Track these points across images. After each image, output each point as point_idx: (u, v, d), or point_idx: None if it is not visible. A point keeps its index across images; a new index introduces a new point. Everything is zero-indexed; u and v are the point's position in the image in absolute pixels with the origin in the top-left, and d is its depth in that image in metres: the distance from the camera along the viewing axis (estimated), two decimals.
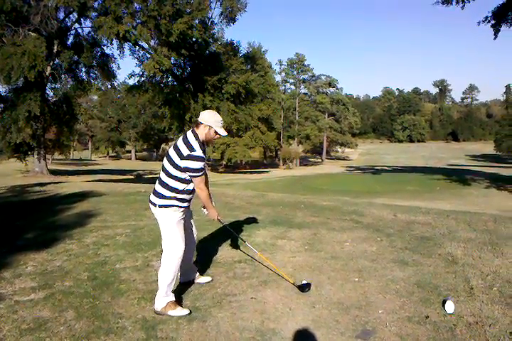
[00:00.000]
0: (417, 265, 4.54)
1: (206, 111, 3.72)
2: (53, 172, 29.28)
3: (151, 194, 3.73)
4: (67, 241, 5.68)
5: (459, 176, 24.05)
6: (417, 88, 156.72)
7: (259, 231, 6.20)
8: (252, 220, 6.92)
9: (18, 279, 4.24)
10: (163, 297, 3.47)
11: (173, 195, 3.58)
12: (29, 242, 5.70)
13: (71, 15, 28.31)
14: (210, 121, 3.54)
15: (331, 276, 4.24)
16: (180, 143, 3.54)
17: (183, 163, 3.44)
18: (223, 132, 3.58)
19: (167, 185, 3.57)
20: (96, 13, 27.04)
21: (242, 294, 3.81)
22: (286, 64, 77.72)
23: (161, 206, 3.61)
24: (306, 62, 77.72)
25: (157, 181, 3.69)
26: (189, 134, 3.59)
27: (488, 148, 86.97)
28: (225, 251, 5.16)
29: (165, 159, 3.61)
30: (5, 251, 5.20)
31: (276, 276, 4.23)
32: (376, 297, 3.71)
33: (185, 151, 3.45)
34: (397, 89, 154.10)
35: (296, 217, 7.34)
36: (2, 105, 27.27)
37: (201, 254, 4.97)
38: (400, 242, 5.47)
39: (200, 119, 3.60)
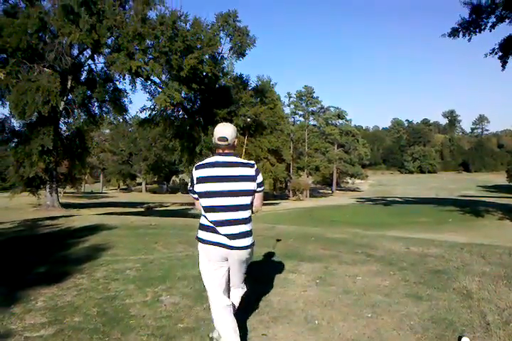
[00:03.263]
0: (432, 300, 4.45)
1: None
2: (65, 206, 29.46)
3: None
4: (77, 276, 5.66)
5: (471, 207, 23.79)
6: (426, 119, 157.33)
7: (269, 264, 6.14)
8: (262, 253, 6.87)
9: (28, 315, 4.21)
10: None
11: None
12: (40, 277, 5.69)
13: (85, 52, 29.24)
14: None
15: (343, 312, 4.16)
16: None
17: None
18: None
19: None
20: (109, 50, 27.83)
21: (253, 330, 3.74)
22: (295, 96, 78.78)
23: None
24: (314, 95, 78.73)
25: None
26: None
27: (500, 178, 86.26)
28: None
29: None
30: (16, 286, 5.19)
31: (288, 312, 4.17)
32: (390, 333, 3.62)
33: None
34: (407, 120, 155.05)
35: (306, 250, 7.27)
36: (16, 140, 27.76)
37: None
38: (414, 276, 5.38)
39: None
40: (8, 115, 27.56)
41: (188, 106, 35.70)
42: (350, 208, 31.82)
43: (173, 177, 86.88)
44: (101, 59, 29.77)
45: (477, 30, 22.07)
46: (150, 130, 39.59)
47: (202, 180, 3.07)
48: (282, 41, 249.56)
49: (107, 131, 72.62)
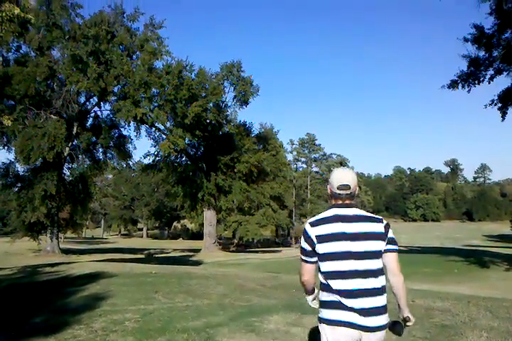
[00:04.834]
0: None
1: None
2: (65, 251, 29.17)
3: None
4: (75, 327, 5.52)
5: (476, 258, 23.37)
6: (428, 167, 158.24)
7: (271, 316, 6.00)
8: (264, 304, 6.74)
9: None
10: None
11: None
12: (37, 327, 5.57)
13: (91, 99, 29.91)
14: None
15: None
16: None
17: None
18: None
19: None
20: (115, 97, 28.46)
21: None
22: (297, 143, 79.59)
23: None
24: (316, 142, 79.59)
25: None
26: None
27: (505, 228, 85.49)
28: (236, 338, 4.97)
29: None
30: (13, 337, 5.07)
31: None
32: None
33: None
34: (409, 168, 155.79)
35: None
36: (19, 184, 27.85)
37: None
38: (420, 331, 5.23)
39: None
40: (13, 160, 27.80)
41: (192, 153, 36.16)
42: None
43: (175, 223, 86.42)
44: (107, 106, 30.44)
45: (476, 82, 22.48)
46: (153, 175, 39.80)
47: (323, 239, 2.47)
48: (286, 90, 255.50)
49: (110, 176, 73.01)
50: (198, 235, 63.24)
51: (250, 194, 36.50)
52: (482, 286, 13.83)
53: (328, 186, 2.68)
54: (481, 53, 22.35)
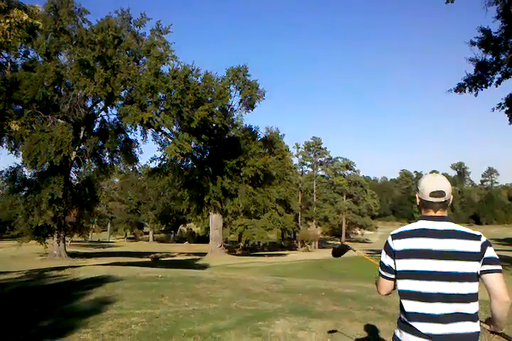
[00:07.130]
0: None
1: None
2: (71, 255, 29.25)
3: None
4: (82, 330, 5.53)
5: None
6: (435, 170, 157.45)
7: (278, 321, 5.98)
8: (270, 309, 6.72)
9: None
10: None
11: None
12: (44, 330, 5.57)
13: (98, 104, 30.09)
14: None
15: None
16: None
17: None
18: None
19: None
20: (122, 102, 28.60)
21: None
22: (303, 147, 79.42)
23: None
24: (322, 145, 79.44)
25: None
26: None
27: None
28: None
29: None
30: (20, 340, 5.08)
31: None
32: None
33: None
34: (415, 171, 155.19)
35: (316, 306, 7.10)
36: (26, 188, 27.98)
37: None
38: None
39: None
40: (20, 164, 27.94)
41: (198, 157, 36.25)
42: (359, 260, 31.27)
43: (181, 227, 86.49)
44: (114, 110, 30.64)
45: (483, 85, 22.42)
46: (159, 179, 39.92)
47: (405, 254, 2.23)
48: (292, 93, 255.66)
49: (117, 180, 73.24)
50: (204, 239, 63.32)
51: (256, 197, 36.52)
52: None
53: (416, 195, 2.41)
54: (488, 57, 22.33)
